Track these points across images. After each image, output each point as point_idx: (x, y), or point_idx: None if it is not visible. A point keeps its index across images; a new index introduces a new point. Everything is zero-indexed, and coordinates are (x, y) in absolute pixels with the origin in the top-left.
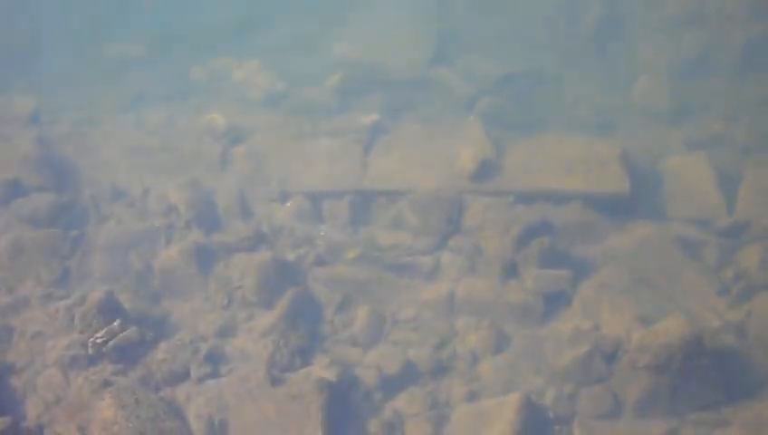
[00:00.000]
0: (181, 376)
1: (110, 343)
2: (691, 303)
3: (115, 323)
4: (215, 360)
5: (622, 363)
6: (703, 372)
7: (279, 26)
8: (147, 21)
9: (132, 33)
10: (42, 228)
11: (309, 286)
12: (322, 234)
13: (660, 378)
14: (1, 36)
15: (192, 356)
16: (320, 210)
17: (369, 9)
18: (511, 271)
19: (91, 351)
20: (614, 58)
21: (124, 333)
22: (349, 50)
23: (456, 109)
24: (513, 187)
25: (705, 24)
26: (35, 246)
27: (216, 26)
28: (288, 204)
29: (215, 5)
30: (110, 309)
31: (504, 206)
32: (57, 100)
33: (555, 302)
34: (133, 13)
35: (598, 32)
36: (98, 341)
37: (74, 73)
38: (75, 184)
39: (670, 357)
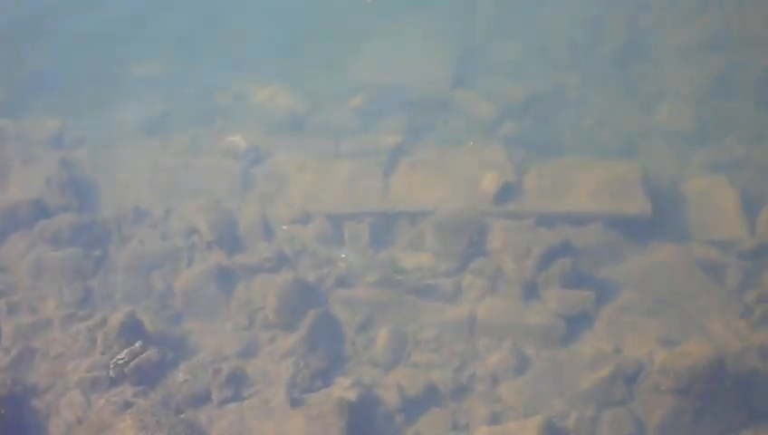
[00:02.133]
0: (202, 398)
1: (132, 364)
2: (713, 325)
3: (136, 344)
4: (236, 381)
5: (644, 386)
6: (725, 395)
7: (302, 47)
8: (171, 40)
9: (156, 52)
10: (64, 249)
11: (330, 308)
12: (344, 256)
13: (683, 401)
14: (24, 58)
15: (213, 378)
16: (341, 231)
17: (392, 30)
18: (532, 293)
19: (112, 372)
20: (637, 80)
21: (145, 354)
22: (371, 71)
23: (478, 130)
24: (534, 209)
25: (729, 47)
26: (57, 267)
27: (240, 47)
28: (310, 225)
29: (240, 29)
30: (131, 330)
31: (526, 228)
32: (80, 121)
33: (577, 324)
34: (157, 32)
35: (621, 54)
36: (119, 362)
37: (97, 94)
38: (98, 205)
39: (693, 380)
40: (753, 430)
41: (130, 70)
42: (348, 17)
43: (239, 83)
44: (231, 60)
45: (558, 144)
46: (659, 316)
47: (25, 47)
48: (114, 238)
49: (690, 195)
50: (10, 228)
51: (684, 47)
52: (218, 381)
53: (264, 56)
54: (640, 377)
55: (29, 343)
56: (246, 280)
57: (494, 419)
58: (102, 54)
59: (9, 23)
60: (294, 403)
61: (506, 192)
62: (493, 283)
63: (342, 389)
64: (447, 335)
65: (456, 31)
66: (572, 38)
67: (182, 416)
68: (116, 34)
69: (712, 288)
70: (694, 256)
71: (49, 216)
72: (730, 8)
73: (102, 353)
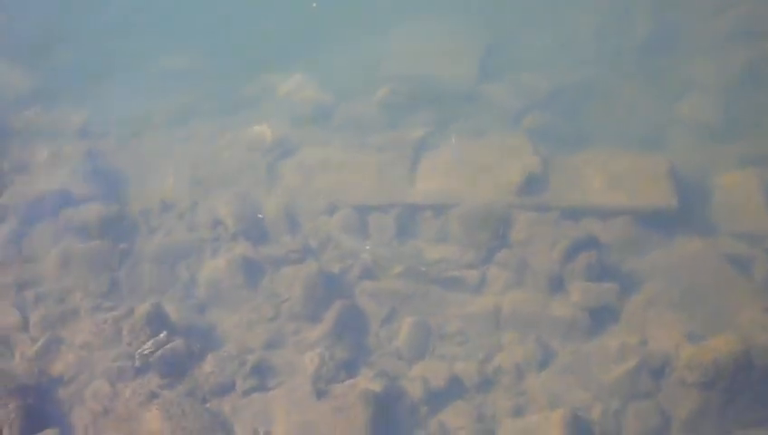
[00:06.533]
0: (228, 388)
1: (157, 355)
2: (740, 319)
3: (162, 335)
4: (261, 372)
5: (670, 380)
6: (752, 389)
7: (326, 40)
8: (197, 33)
9: (182, 45)
10: (91, 240)
11: (355, 299)
12: (368, 247)
13: (709, 395)
14: (52, 49)
15: (239, 368)
16: (366, 224)
17: (417, 23)
18: (557, 285)
19: (138, 362)
20: (663, 72)
21: (171, 344)
22: (397, 64)
23: (504, 123)
24: (560, 201)
25: (758, 38)
26: (84, 258)
27: (265, 40)
28: (335, 217)
29: (263, 20)
30: (157, 321)
31: (551, 220)
32: (107, 112)
33: (602, 317)
34: (183, 24)
35: (647, 46)
36: (145, 352)
37: (124, 85)
38: (124, 196)
39: (719, 374)
40: None
41: (158, 61)
42: (374, 10)
43: (265, 75)
44: (257, 52)
45: (584, 136)
46: (686, 310)
47: (54, 38)
48: (141, 229)
49: (717, 188)
50: (37, 219)
51: (712, 38)
52: (243, 372)
53: (289, 48)
54: (666, 370)
55: (56, 333)
56: (272, 272)
57: (519, 411)
58: (130, 46)
59: (39, 15)
60: (319, 394)
61: (532, 184)
62: (518, 275)
63: (367, 380)
64: (472, 327)
65: (482, 23)
66: (599, 30)
67: (207, 406)
68: (144, 26)
69: (739, 282)
70: (721, 250)
71: (75, 206)
72: None
73: (128, 344)
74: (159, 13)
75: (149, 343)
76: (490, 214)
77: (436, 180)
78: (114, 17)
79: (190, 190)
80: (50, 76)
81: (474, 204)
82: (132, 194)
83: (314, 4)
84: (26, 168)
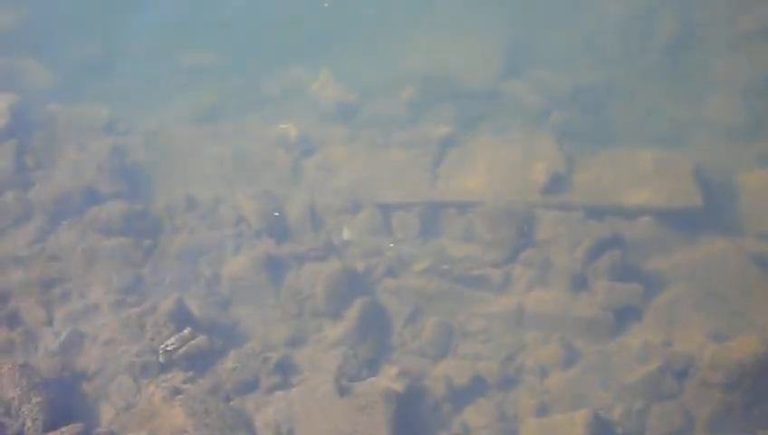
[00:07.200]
0: (251, 385)
1: (181, 351)
2: (765, 319)
3: (186, 331)
4: (284, 369)
5: (694, 380)
6: None
7: (351, 38)
8: (220, 29)
9: (206, 42)
10: (115, 236)
11: (378, 297)
12: (392, 245)
13: (733, 395)
14: (75, 46)
15: (262, 366)
16: (390, 221)
17: (441, 21)
18: (581, 285)
19: (161, 358)
20: (688, 72)
21: (194, 341)
22: (420, 62)
23: (528, 122)
24: (584, 200)
25: None
26: (109, 255)
27: (290, 38)
28: (359, 215)
29: (288, 18)
30: (181, 317)
31: (576, 219)
32: (131, 109)
33: (626, 316)
34: (208, 21)
35: (671, 45)
36: (168, 348)
37: (148, 82)
38: (148, 193)
39: (743, 374)
40: None
41: (181, 58)
42: (397, 7)
43: (289, 73)
44: (281, 49)
45: (608, 135)
46: (709, 310)
47: (80, 35)
48: (164, 226)
49: (742, 188)
50: (62, 216)
51: (737, 38)
52: (267, 369)
53: (313, 45)
54: (690, 371)
55: (79, 328)
56: (295, 269)
57: (542, 411)
58: (153, 43)
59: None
60: (342, 392)
61: (556, 183)
62: (542, 274)
63: (389, 378)
64: (496, 327)
65: (505, 22)
66: (623, 29)
67: (230, 403)
68: (166, 23)
69: (763, 282)
70: (745, 250)
71: (100, 203)
72: None
73: (151, 340)
74: (180, 10)
75: (173, 339)
76: (514, 213)
77: (461, 178)
78: (135, 15)
79: (214, 187)
80: (74, 73)
81: (498, 202)
82: (157, 190)
83: (326, 4)
84: (52, 164)
